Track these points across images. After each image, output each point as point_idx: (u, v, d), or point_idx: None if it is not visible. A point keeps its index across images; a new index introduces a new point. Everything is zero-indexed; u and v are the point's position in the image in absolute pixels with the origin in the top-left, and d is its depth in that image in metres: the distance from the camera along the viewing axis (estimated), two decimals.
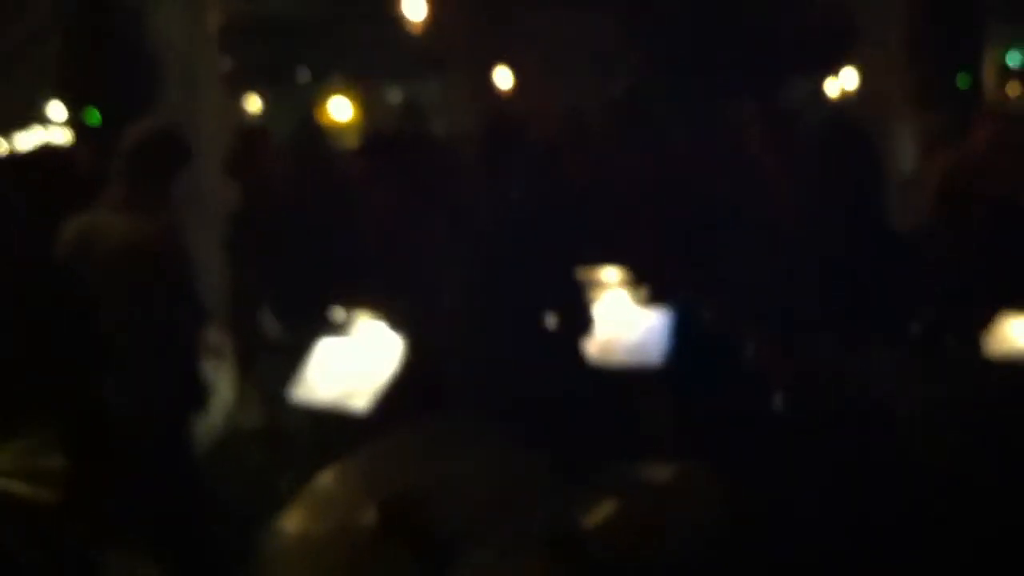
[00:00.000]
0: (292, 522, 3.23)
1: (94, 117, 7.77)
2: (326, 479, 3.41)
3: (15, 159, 5.91)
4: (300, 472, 4.71)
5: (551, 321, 4.53)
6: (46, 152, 4.53)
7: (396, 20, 13.62)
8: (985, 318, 4.47)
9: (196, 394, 4.64)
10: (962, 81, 6.86)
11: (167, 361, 4.48)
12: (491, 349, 4.36)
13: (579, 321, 4.56)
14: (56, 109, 13.51)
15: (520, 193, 4.61)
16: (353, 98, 17.02)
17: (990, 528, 3.54)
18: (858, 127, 5.05)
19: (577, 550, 2.41)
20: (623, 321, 5.13)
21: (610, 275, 5.30)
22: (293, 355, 5.31)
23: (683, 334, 4.90)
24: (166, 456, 4.43)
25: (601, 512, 2.50)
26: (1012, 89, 15.83)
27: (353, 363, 5.15)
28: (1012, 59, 16.64)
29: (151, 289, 4.43)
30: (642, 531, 2.45)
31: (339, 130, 14.51)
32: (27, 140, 13.89)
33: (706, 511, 2.55)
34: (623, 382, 4.85)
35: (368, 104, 16.37)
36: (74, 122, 8.50)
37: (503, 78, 14.63)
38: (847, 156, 4.50)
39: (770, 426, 4.19)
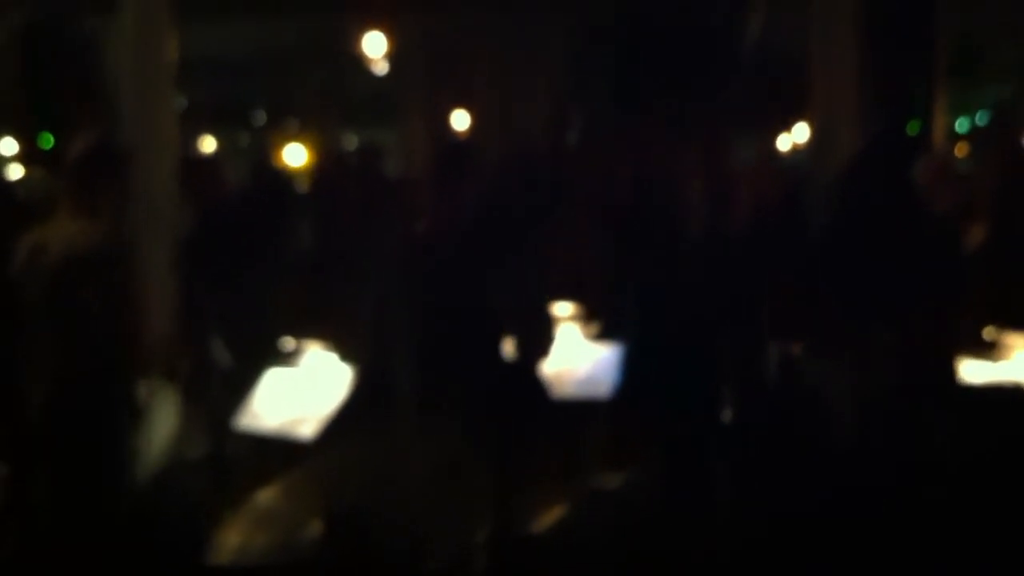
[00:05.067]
0: (234, 535, 3.18)
1: (47, 141, 7.77)
2: (268, 494, 3.36)
3: None
4: (243, 501, 4.66)
5: (509, 346, 4.53)
6: None
7: (354, 65, 13.65)
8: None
9: (125, 408, 4.60)
10: (912, 127, 7.01)
11: (103, 373, 4.46)
12: (446, 374, 4.35)
13: (538, 343, 4.58)
14: (7, 144, 13.45)
15: (472, 219, 4.62)
16: (308, 143, 17.04)
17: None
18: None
19: (521, 553, 2.40)
20: (573, 354, 5.15)
21: (562, 309, 5.33)
22: (240, 384, 5.28)
23: (632, 365, 4.93)
24: (103, 469, 4.41)
25: (550, 516, 2.49)
26: (960, 150, 16.45)
27: (300, 392, 5.12)
28: (961, 125, 17.34)
29: (93, 297, 4.44)
30: (590, 533, 2.45)
31: (294, 174, 14.47)
32: None
33: (649, 514, 2.56)
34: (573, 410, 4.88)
35: (323, 150, 16.35)
36: (27, 152, 8.47)
37: (459, 121, 14.71)
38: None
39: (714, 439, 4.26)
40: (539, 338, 4.56)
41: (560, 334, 5.17)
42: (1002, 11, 12.55)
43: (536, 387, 4.61)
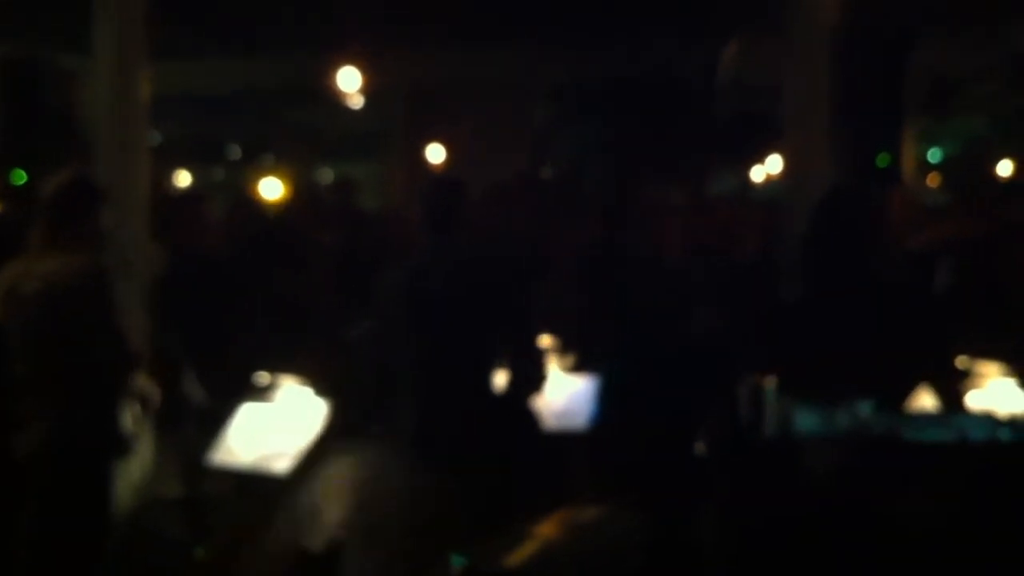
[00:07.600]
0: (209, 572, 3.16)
1: (20, 177, 7.80)
2: (244, 530, 3.35)
3: None
4: (218, 539, 4.64)
5: (502, 379, 4.54)
6: None
7: (330, 100, 13.69)
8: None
9: (117, 439, 4.60)
10: (882, 160, 7.06)
11: (89, 403, 4.46)
12: (434, 408, 4.35)
13: (531, 379, 4.58)
14: None
15: (462, 253, 4.63)
16: (284, 177, 17.02)
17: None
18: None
19: None
20: (550, 387, 5.15)
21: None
22: (215, 420, 5.26)
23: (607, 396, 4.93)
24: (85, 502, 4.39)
25: (525, 551, 2.49)
26: (932, 180, 16.60)
27: (275, 427, 5.10)
28: (933, 156, 17.49)
29: (74, 328, 4.43)
30: (566, 568, 2.45)
31: (270, 207, 14.46)
32: None
33: (628, 548, 2.55)
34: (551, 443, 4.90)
35: (299, 183, 16.37)
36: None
37: (435, 155, 14.75)
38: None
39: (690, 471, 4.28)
40: (534, 375, 4.57)
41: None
42: (974, 46, 12.70)
43: (526, 423, 4.62)
